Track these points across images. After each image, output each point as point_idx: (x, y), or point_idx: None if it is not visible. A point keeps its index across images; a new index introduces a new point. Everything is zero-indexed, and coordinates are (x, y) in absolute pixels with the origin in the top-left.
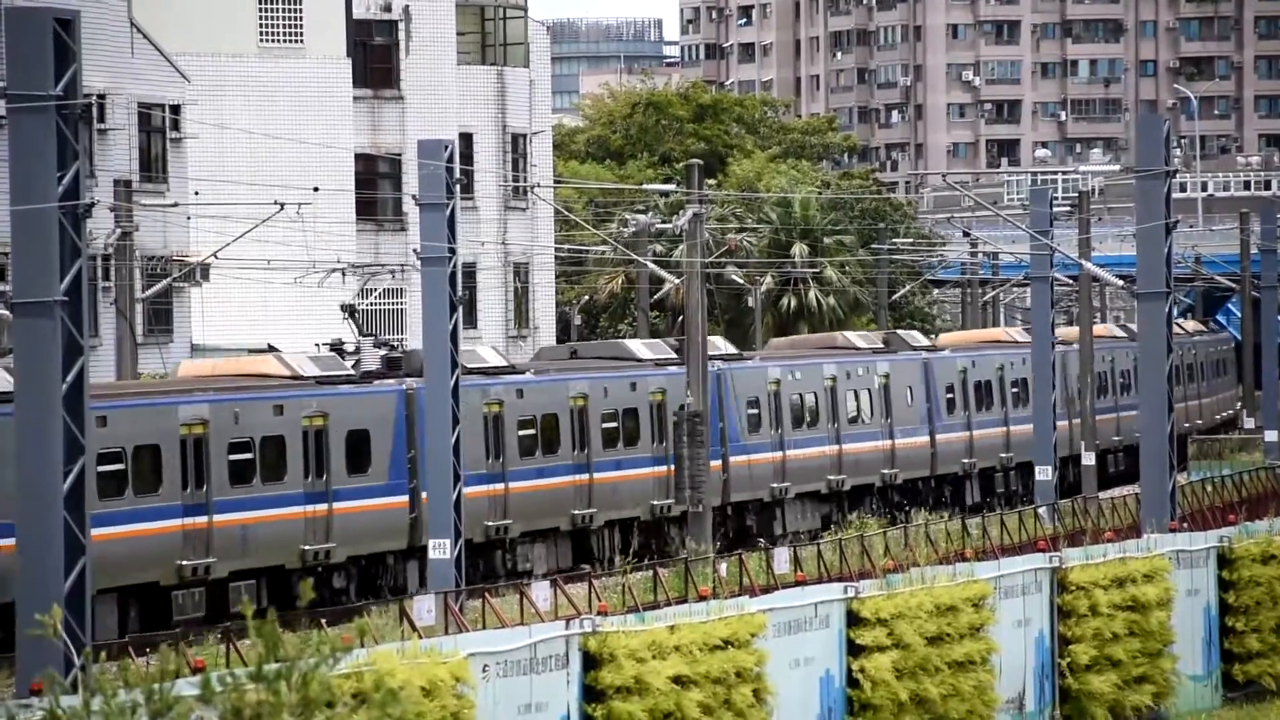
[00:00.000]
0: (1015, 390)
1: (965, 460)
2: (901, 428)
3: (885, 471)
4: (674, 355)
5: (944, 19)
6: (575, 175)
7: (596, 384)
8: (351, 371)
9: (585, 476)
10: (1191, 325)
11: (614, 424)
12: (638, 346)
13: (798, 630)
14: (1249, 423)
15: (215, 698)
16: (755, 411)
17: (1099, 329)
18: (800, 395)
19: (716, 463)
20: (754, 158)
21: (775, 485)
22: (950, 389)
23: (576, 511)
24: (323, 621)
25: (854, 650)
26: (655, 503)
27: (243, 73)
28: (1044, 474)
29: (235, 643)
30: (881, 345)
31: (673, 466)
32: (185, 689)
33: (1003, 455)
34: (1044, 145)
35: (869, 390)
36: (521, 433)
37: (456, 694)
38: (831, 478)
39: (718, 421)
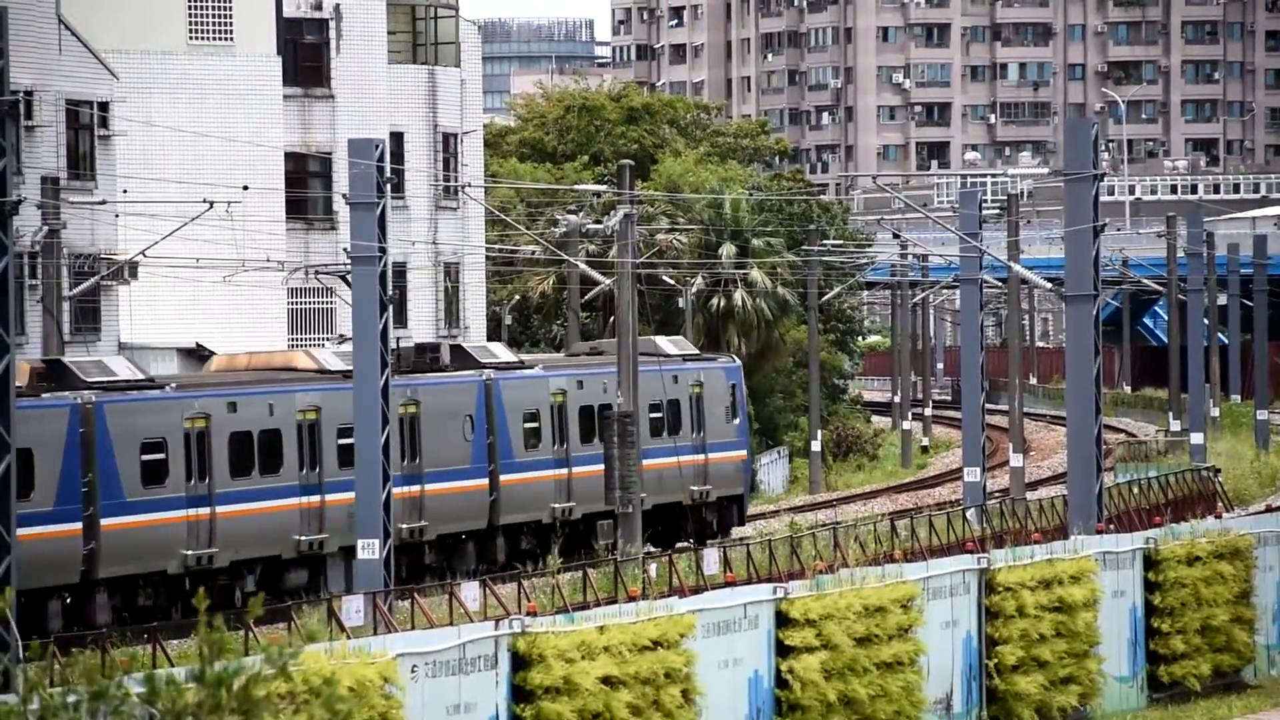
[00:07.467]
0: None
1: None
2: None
3: None
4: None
5: (874, 21)
6: (512, 174)
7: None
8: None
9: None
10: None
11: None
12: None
13: (726, 631)
14: (1175, 425)
15: (158, 697)
16: None
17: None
18: None
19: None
20: (682, 157)
21: None
22: None
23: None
24: (251, 624)
25: (783, 651)
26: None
27: (172, 70)
28: (972, 475)
29: (162, 643)
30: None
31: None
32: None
33: None
34: (973, 148)
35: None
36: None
37: (385, 694)
38: None
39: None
